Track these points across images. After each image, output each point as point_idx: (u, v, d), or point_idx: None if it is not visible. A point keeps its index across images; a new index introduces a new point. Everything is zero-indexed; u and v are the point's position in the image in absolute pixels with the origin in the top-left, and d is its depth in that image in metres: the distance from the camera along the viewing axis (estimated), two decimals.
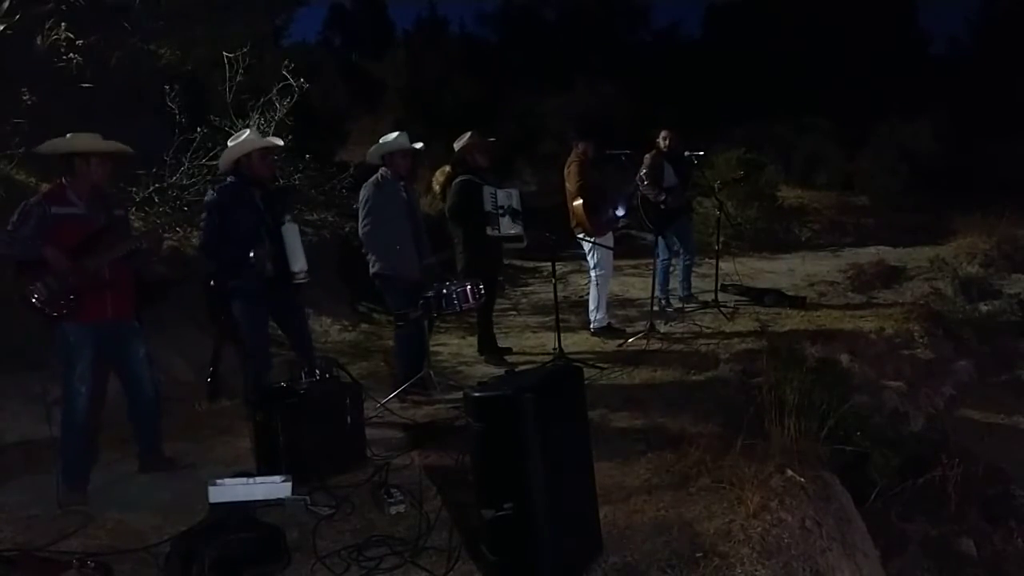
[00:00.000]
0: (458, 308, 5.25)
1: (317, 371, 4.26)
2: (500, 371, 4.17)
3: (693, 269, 7.97)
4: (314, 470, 3.84)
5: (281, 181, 7.49)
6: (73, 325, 3.80)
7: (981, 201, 11.53)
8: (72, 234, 3.81)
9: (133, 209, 6.37)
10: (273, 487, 3.56)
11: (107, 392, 4.53)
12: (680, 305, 7.64)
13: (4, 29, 5.98)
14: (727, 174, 9.74)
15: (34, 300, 3.70)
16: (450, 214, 6.03)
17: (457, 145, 6.12)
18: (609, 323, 6.88)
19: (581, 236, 6.57)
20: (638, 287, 8.63)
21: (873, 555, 3.69)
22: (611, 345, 6.53)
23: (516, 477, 2.74)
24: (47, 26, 6.26)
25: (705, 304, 7.62)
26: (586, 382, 3.43)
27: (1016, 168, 13.36)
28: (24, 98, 5.99)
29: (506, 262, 7.74)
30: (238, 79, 7.19)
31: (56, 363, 3.99)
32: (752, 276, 9.05)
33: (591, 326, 6.83)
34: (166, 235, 6.37)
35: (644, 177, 7.13)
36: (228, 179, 4.64)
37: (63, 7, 6.40)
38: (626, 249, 8.99)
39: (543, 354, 6.27)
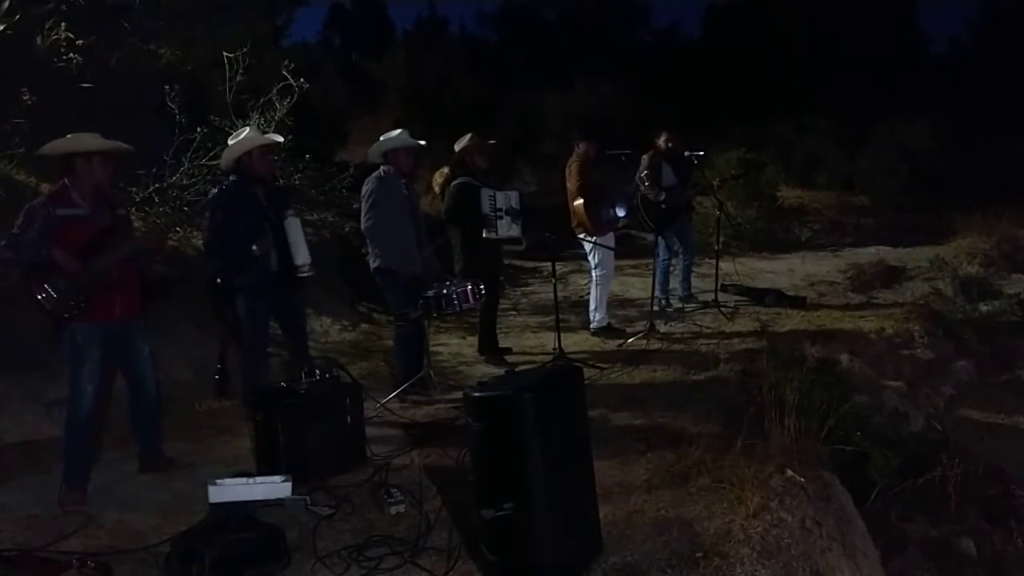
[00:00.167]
0: (458, 308, 5.25)
1: (317, 371, 4.26)
2: (500, 371, 4.17)
3: (693, 269, 7.98)
4: (314, 470, 3.84)
5: (281, 181, 7.49)
6: (82, 325, 3.81)
7: (981, 201, 11.54)
8: (78, 235, 3.81)
9: (133, 209, 6.36)
10: (273, 487, 3.57)
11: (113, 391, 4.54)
12: (680, 305, 7.65)
13: (4, 29, 5.98)
14: (726, 173, 9.74)
15: (43, 301, 3.70)
16: (446, 216, 6.03)
17: (457, 147, 6.12)
18: (609, 323, 6.88)
19: (582, 236, 6.57)
20: (638, 287, 8.63)
21: (873, 555, 3.69)
22: (611, 345, 6.53)
23: (516, 477, 2.74)
24: (47, 26, 6.26)
25: (705, 304, 7.62)
26: (586, 382, 3.43)
27: (1016, 168, 13.38)
28: (24, 98, 5.99)
29: (506, 262, 7.75)
30: (238, 79, 7.18)
31: (59, 363, 4.00)
32: (752, 276, 9.05)
33: (591, 326, 6.83)
34: (168, 235, 6.37)
35: (645, 178, 7.13)
36: (230, 178, 4.66)
37: (63, 7, 6.39)
38: (626, 249, 8.99)
39: (543, 354, 6.27)
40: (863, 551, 3.56)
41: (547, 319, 7.36)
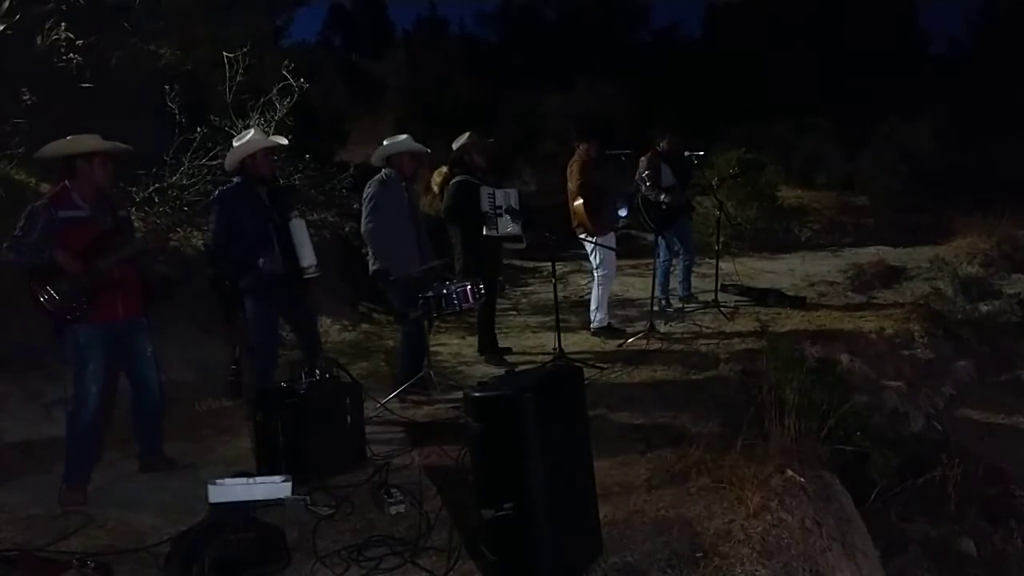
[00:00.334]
0: (458, 308, 5.25)
1: (317, 371, 4.27)
2: (500, 371, 4.17)
3: (693, 269, 7.98)
4: (314, 470, 3.84)
5: (281, 181, 7.48)
6: (84, 327, 3.81)
7: (981, 201, 11.53)
8: (80, 237, 3.82)
9: (133, 209, 6.36)
10: (273, 487, 3.57)
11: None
12: (680, 305, 7.64)
13: (4, 29, 5.98)
14: (726, 173, 9.75)
15: (45, 303, 3.70)
16: (446, 214, 6.03)
17: (455, 145, 6.12)
18: (609, 323, 6.88)
19: (583, 236, 6.57)
20: (638, 287, 8.63)
21: (873, 555, 3.69)
22: (611, 345, 6.53)
23: (516, 477, 2.74)
24: (47, 26, 6.25)
25: (705, 304, 7.62)
26: (586, 382, 3.43)
27: (1016, 168, 13.36)
28: (24, 98, 5.98)
29: (506, 262, 7.74)
30: (238, 79, 7.17)
31: (59, 363, 4.00)
32: (752, 276, 9.05)
33: (591, 326, 6.83)
34: (168, 236, 6.38)
35: (647, 179, 7.13)
36: (234, 179, 4.67)
37: (63, 7, 6.38)
38: (626, 249, 8.98)
39: (543, 354, 6.27)
40: (863, 551, 3.56)
41: (547, 319, 7.36)
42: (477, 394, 2.85)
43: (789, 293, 8.05)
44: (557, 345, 6.02)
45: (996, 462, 5.09)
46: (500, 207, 5.85)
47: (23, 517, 3.65)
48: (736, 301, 7.87)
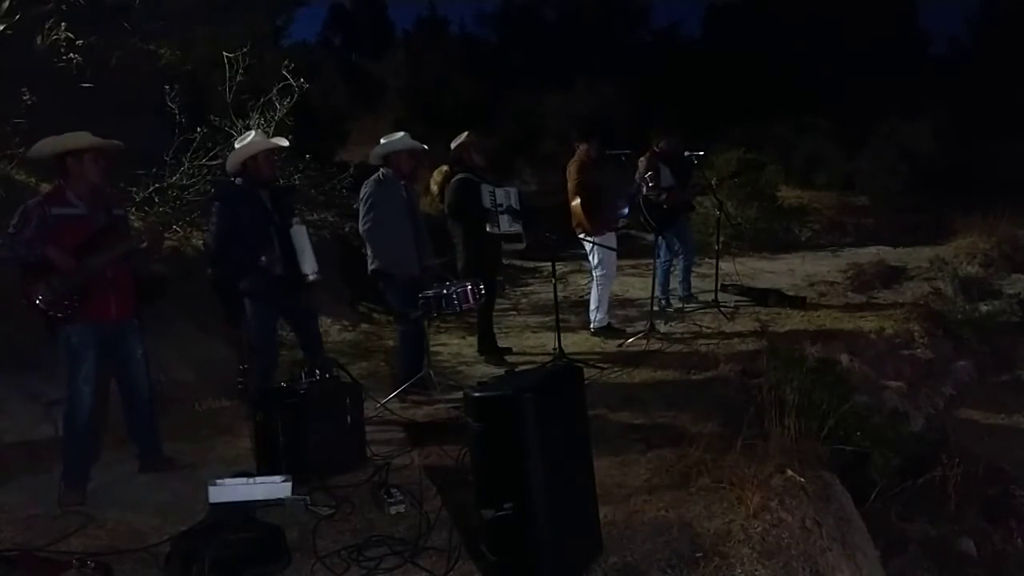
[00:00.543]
0: (458, 308, 5.25)
1: (317, 371, 4.27)
2: (500, 371, 4.17)
3: (693, 269, 7.98)
4: (314, 470, 3.84)
5: (281, 181, 7.49)
6: (77, 326, 3.80)
7: (981, 201, 11.52)
8: (73, 235, 3.81)
9: (133, 209, 6.37)
10: (273, 487, 3.57)
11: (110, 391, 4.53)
12: (680, 305, 7.65)
13: (4, 29, 5.98)
14: (725, 173, 9.75)
15: (38, 302, 3.70)
16: (449, 211, 6.03)
17: (454, 144, 6.13)
18: (609, 323, 6.88)
19: (583, 236, 6.57)
20: (638, 287, 8.63)
21: (873, 555, 3.69)
22: (611, 345, 6.53)
23: (516, 477, 2.74)
24: (47, 26, 6.26)
25: (705, 304, 7.62)
26: (586, 382, 3.43)
27: (1016, 168, 13.35)
28: (24, 98, 5.99)
29: (506, 262, 7.74)
30: (238, 79, 7.18)
31: (57, 363, 3.99)
32: (752, 276, 9.05)
33: (591, 326, 6.83)
34: (166, 235, 6.37)
35: (648, 179, 7.12)
36: (235, 180, 4.67)
37: (63, 7, 6.39)
38: (626, 249, 8.98)
39: (543, 354, 6.27)
40: (863, 551, 3.56)
41: (547, 319, 7.36)
42: (477, 394, 2.85)
43: (789, 293, 8.05)
44: (557, 345, 6.02)
45: (996, 462, 5.08)
46: (500, 205, 5.86)
47: (23, 517, 3.64)
48: (736, 301, 7.87)
